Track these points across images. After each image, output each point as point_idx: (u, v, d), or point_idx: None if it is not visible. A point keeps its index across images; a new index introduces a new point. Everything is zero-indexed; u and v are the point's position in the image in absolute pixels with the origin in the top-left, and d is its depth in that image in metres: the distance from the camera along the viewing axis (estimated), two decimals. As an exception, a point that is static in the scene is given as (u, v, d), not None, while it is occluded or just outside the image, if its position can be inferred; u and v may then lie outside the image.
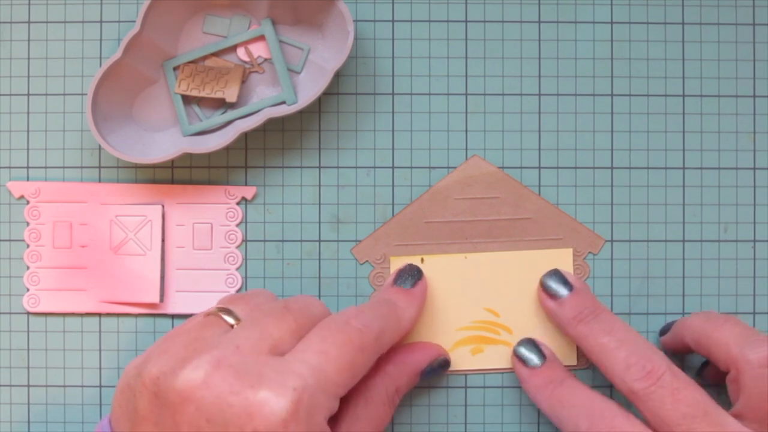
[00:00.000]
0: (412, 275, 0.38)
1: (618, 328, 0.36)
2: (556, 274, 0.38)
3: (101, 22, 0.40)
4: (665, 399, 0.33)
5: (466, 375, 0.40)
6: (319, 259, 0.40)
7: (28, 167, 0.40)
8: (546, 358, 0.38)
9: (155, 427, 0.30)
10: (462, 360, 0.40)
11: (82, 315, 0.40)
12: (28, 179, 0.40)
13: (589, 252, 0.40)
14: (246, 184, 0.40)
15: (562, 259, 0.40)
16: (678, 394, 0.33)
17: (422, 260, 0.39)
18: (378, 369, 0.36)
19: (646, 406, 0.34)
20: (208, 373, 0.29)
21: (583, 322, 0.36)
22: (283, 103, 0.39)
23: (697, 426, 0.32)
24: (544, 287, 0.38)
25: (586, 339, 0.36)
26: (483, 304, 0.40)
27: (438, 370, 0.39)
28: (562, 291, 0.38)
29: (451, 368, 0.39)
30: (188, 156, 0.40)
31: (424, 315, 0.39)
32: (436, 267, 0.39)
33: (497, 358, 0.40)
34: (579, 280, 0.39)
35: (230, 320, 0.33)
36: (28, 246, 0.40)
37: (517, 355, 0.38)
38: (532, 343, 0.39)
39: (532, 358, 0.38)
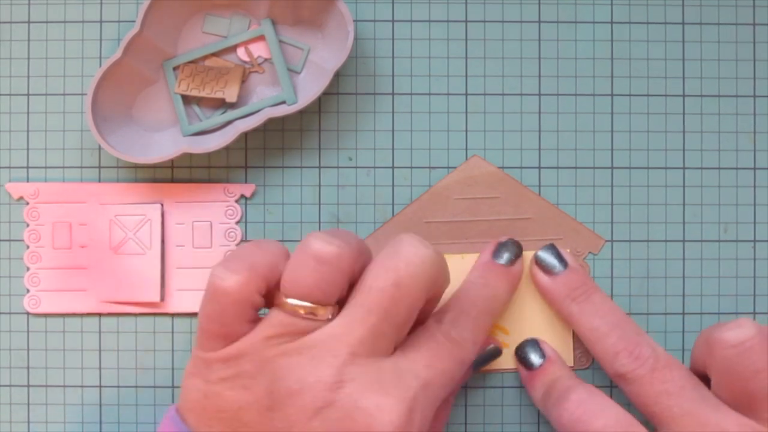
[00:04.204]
0: (510, 250, 0.38)
1: (609, 311, 0.36)
2: (552, 249, 0.38)
3: (101, 22, 0.40)
4: (644, 379, 0.34)
5: (466, 375, 0.40)
6: (319, 259, 0.40)
7: (27, 167, 0.40)
8: (546, 358, 0.38)
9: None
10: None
11: (81, 315, 0.40)
12: (27, 179, 0.40)
13: (589, 252, 0.40)
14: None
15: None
16: (655, 373, 0.34)
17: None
18: None
19: (629, 389, 0.35)
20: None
21: (576, 301, 0.37)
22: (283, 103, 0.39)
23: (673, 402, 0.33)
24: (538, 261, 0.38)
25: (578, 320, 0.37)
26: (482, 304, 0.40)
27: (489, 359, 0.39)
28: (557, 266, 0.38)
29: None
30: (188, 156, 0.40)
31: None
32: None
33: (496, 358, 0.40)
34: (573, 258, 0.39)
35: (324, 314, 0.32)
36: (27, 247, 0.40)
37: (519, 358, 0.39)
38: (534, 344, 0.39)
39: (534, 359, 0.38)
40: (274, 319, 0.31)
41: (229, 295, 0.31)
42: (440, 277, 0.33)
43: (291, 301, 0.31)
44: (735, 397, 0.33)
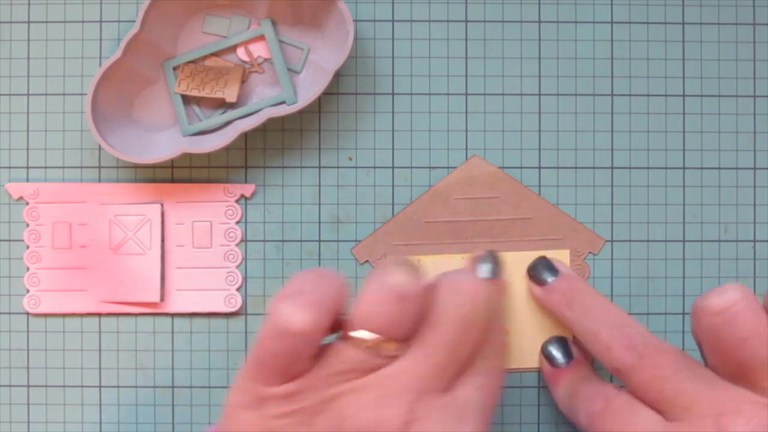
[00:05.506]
0: (489, 262, 0.35)
1: (595, 310, 0.36)
2: (542, 261, 0.38)
3: (101, 22, 0.40)
4: (635, 367, 0.33)
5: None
6: (319, 259, 0.40)
7: (27, 167, 0.40)
8: (572, 358, 0.38)
9: None
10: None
11: (81, 315, 0.40)
12: (27, 179, 0.40)
13: (589, 252, 0.40)
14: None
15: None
16: (644, 359, 0.33)
17: (419, 261, 0.39)
18: None
19: (627, 381, 0.33)
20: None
21: (568, 306, 0.37)
22: (283, 103, 0.39)
23: (666, 386, 0.32)
24: (529, 275, 0.39)
25: (572, 324, 0.37)
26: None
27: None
28: (547, 276, 0.38)
29: None
30: (188, 156, 0.40)
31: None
32: (433, 267, 0.39)
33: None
34: (565, 265, 0.39)
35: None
36: (27, 247, 0.40)
37: (544, 354, 0.39)
38: (560, 342, 0.39)
39: (558, 356, 0.38)
40: (342, 355, 0.30)
41: (299, 335, 0.29)
42: (499, 310, 0.33)
43: (360, 334, 0.30)
44: (728, 368, 0.32)
